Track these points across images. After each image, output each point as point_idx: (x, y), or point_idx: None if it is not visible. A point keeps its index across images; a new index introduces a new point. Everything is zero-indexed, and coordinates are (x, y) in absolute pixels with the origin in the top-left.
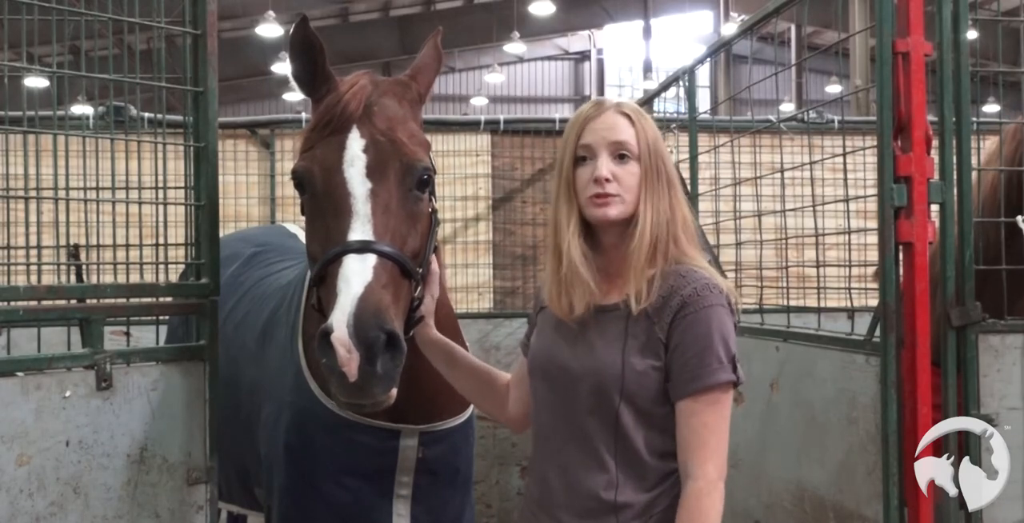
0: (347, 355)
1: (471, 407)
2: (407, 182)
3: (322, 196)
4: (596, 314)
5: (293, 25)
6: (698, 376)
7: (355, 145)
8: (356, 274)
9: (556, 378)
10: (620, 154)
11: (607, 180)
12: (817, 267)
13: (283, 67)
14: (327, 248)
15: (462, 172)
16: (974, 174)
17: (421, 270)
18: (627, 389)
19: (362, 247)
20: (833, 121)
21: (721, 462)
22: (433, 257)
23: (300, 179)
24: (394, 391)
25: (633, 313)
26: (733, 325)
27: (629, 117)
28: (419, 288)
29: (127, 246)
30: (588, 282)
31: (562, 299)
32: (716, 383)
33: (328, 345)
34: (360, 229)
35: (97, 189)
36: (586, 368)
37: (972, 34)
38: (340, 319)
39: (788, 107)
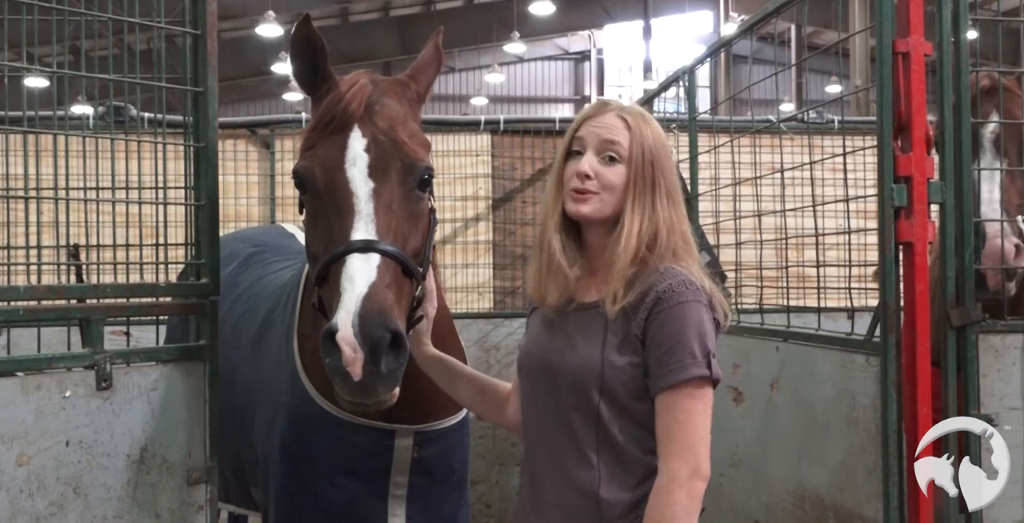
0: (353, 355)
1: (466, 407)
2: (409, 182)
3: (324, 195)
4: (577, 311)
5: (295, 24)
6: (671, 371)
7: (357, 144)
8: (360, 273)
9: (540, 376)
10: (608, 155)
11: (587, 176)
12: (817, 267)
13: (283, 67)
14: (329, 247)
15: (462, 172)
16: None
17: (422, 269)
18: (606, 385)
19: (365, 246)
20: (833, 121)
21: (693, 459)
22: (430, 275)
23: (301, 178)
24: (397, 390)
25: (610, 315)
26: (713, 322)
27: (627, 122)
28: (419, 287)
29: (127, 246)
30: (566, 273)
31: (540, 287)
32: (689, 378)
33: (333, 345)
34: (363, 228)
35: (97, 189)
36: (567, 365)
37: (972, 34)
38: (345, 319)
39: (788, 107)
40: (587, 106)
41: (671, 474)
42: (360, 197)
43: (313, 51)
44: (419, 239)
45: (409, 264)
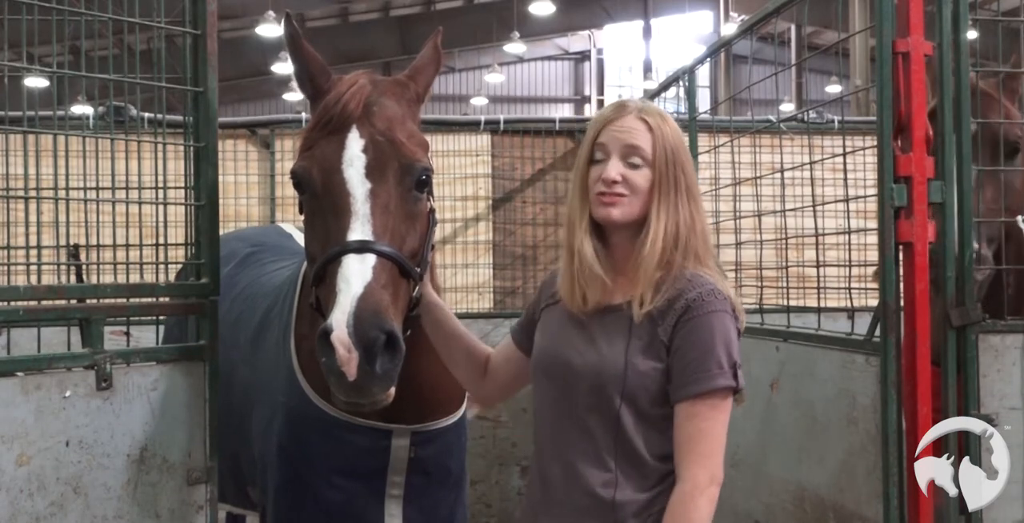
0: (347, 355)
1: (463, 407)
2: (406, 182)
3: (321, 196)
4: (601, 313)
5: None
6: (698, 380)
7: (354, 145)
8: (356, 274)
9: (559, 376)
10: (633, 159)
11: (614, 181)
12: (817, 267)
13: (283, 67)
14: (326, 248)
15: (462, 172)
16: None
17: (419, 269)
18: (628, 389)
19: (361, 247)
20: (833, 121)
21: (713, 467)
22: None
23: (299, 179)
24: (392, 390)
25: (636, 318)
26: (737, 332)
27: (648, 123)
28: (417, 288)
29: (127, 246)
30: (602, 277)
31: (576, 293)
32: (715, 388)
33: (328, 345)
34: (360, 229)
35: (97, 189)
36: (589, 366)
37: (972, 34)
38: (340, 319)
39: (788, 107)
40: (605, 108)
41: (693, 481)
42: (357, 198)
43: (298, 50)
44: (416, 239)
45: (406, 264)
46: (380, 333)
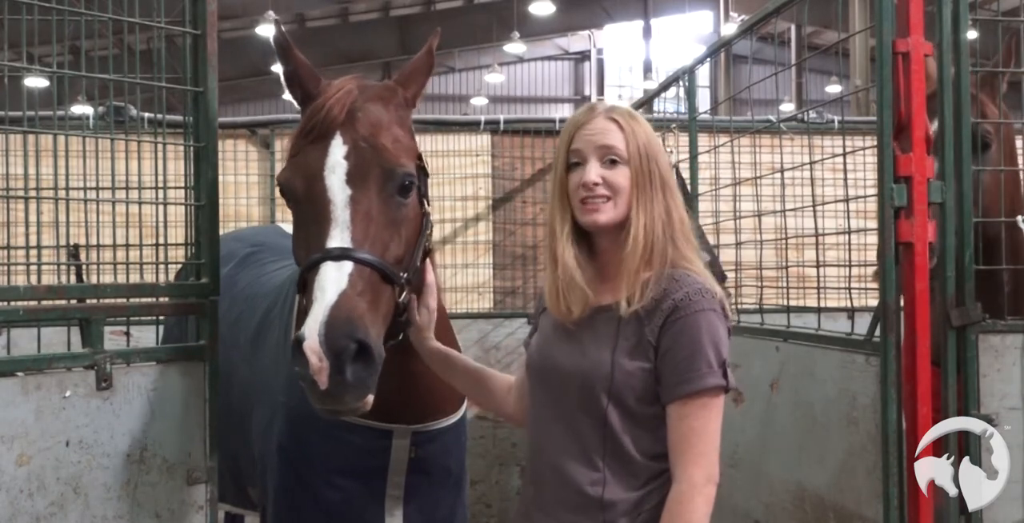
0: (318, 363)
1: (463, 408)
2: (388, 188)
3: (304, 203)
4: (591, 314)
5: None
6: (688, 380)
7: (337, 151)
8: (331, 282)
9: (549, 377)
10: (610, 159)
11: (595, 184)
12: (817, 267)
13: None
14: (308, 255)
15: (462, 172)
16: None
17: (406, 275)
18: (615, 389)
19: (340, 255)
20: (833, 121)
21: (709, 466)
22: (429, 269)
23: (283, 187)
24: (370, 398)
25: (623, 316)
26: (726, 330)
27: (618, 122)
28: (404, 294)
29: (127, 246)
30: (583, 287)
31: (560, 302)
32: (705, 387)
33: (301, 353)
34: (339, 236)
35: (97, 189)
36: (576, 367)
37: (972, 34)
38: (312, 328)
39: (788, 107)
40: (574, 114)
41: (690, 481)
42: (337, 205)
43: (287, 56)
44: (401, 246)
45: (388, 271)
46: (351, 342)
